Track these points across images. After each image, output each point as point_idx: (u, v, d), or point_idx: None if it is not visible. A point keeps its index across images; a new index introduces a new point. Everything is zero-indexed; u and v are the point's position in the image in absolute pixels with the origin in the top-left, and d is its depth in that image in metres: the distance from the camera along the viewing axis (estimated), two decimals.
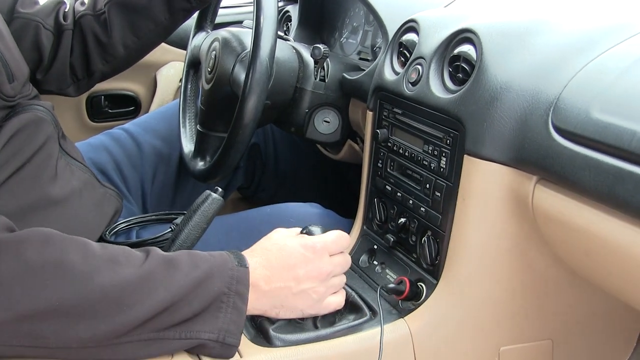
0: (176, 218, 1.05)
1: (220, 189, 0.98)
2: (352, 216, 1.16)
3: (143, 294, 0.76)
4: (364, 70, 1.18)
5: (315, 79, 1.23)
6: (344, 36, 1.45)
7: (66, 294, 0.73)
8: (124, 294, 0.75)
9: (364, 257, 1.07)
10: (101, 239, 1.08)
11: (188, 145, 1.31)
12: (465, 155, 0.86)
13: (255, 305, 0.83)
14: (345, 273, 0.92)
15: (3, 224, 0.77)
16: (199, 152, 1.27)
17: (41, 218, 0.97)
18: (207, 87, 1.24)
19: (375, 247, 1.07)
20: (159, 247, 0.83)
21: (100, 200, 1.12)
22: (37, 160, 1.01)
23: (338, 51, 1.45)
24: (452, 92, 0.90)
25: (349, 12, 1.43)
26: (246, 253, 0.86)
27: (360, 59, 1.34)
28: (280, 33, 1.33)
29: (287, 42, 1.31)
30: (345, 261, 0.90)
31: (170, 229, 1.04)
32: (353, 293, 0.95)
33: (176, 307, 0.77)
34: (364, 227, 1.11)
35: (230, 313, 0.79)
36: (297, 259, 0.85)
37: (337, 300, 0.89)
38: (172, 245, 0.95)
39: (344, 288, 0.92)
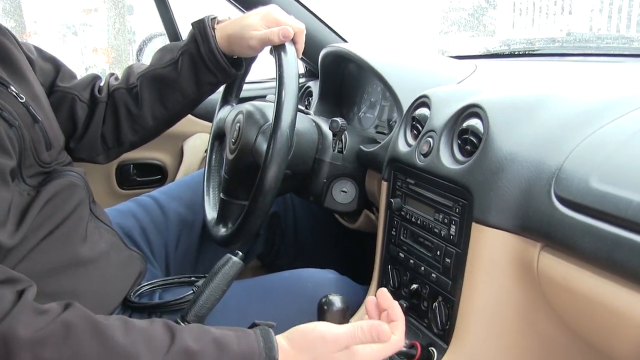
0: (197, 281, 1.09)
1: (240, 253, 1.03)
2: (367, 282, 1.20)
3: None
4: (380, 142, 1.23)
5: (334, 150, 1.29)
6: (362, 111, 1.52)
7: None
8: None
9: None
10: (126, 300, 1.12)
11: (211, 213, 1.37)
12: (473, 223, 0.90)
13: None
14: None
15: (32, 307, 0.78)
16: (221, 218, 1.32)
17: (71, 276, 1.02)
18: (230, 157, 1.30)
19: None
20: (180, 309, 0.85)
21: (126, 262, 1.17)
22: (70, 222, 1.06)
23: (356, 125, 1.51)
24: (461, 163, 0.95)
25: (366, 88, 1.50)
26: (279, 338, 0.85)
27: (377, 132, 1.40)
28: (301, 107, 1.40)
29: (308, 115, 1.37)
30: (396, 345, 0.87)
31: (192, 291, 1.08)
32: None
33: None
34: None
35: None
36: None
37: None
38: (193, 306, 0.99)
39: None
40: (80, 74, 1.34)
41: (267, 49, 1.21)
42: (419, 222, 1.03)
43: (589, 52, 1.49)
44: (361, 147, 1.28)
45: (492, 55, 1.66)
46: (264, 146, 1.15)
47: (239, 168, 1.29)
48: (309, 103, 1.69)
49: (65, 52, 7.50)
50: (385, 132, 1.37)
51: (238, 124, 1.30)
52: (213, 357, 0.80)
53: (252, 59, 1.34)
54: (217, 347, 0.81)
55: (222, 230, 1.30)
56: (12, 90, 1.04)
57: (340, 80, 1.57)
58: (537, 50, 1.59)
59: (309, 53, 1.68)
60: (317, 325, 0.86)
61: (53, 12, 8.23)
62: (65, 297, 0.86)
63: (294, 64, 1.14)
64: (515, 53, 1.60)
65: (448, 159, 0.97)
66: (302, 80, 1.86)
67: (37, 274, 0.92)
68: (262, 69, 1.69)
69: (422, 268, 1.01)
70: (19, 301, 0.77)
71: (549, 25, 3.79)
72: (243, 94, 1.51)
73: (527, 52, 1.57)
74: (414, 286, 1.03)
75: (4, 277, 0.80)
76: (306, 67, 1.89)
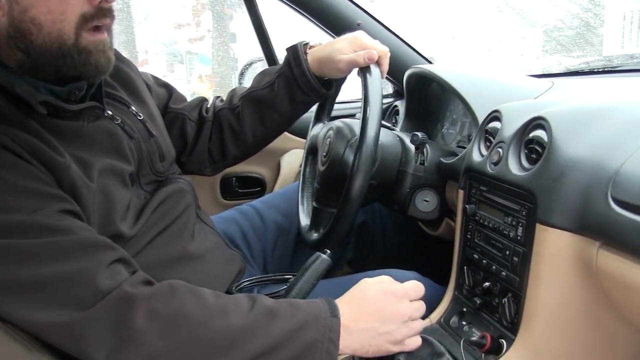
0: (291, 278, 1.23)
1: (328, 251, 1.16)
2: (445, 283, 1.29)
3: (248, 339, 0.92)
4: (458, 155, 1.34)
5: (416, 162, 1.39)
6: (445, 127, 1.62)
7: (186, 338, 0.90)
8: (232, 338, 0.92)
9: (454, 319, 1.20)
10: (227, 293, 1.27)
11: (305, 220, 1.50)
12: (537, 224, 0.99)
13: (347, 344, 0.97)
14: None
15: (143, 278, 0.96)
16: (313, 224, 1.46)
17: (181, 269, 1.17)
18: (322, 168, 1.44)
19: (465, 309, 1.19)
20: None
21: (227, 260, 1.32)
22: (179, 222, 1.23)
23: (440, 140, 1.62)
24: (527, 170, 1.04)
25: (449, 106, 1.60)
26: (338, 301, 1.01)
27: (458, 146, 1.50)
28: (387, 124, 1.53)
29: (393, 131, 1.49)
30: (422, 306, 1.05)
31: (285, 287, 1.22)
32: (442, 347, 1.08)
33: (277, 350, 0.93)
34: (455, 293, 1.24)
35: (324, 356, 0.94)
36: (381, 303, 1.00)
37: (416, 342, 1.03)
38: (286, 297, 1.13)
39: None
40: (188, 99, 1.53)
41: (355, 70, 1.33)
42: (490, 225, 1.12)
43: None
44: (441, 159, 1.38)
45: (571, 73, 1.72)
46: (351, 158, 1.25)
47: (329, 179, 1.42)
48: (396, 121, 1.81)
49: (172, 79, 7.93)
50: (465, 146, 1.47)
51: (329, 139, 1.43)
52: (288, 313, 0.95)
53: (341, 80, 1.47)
54: (291, 306, 0.97)
55: (314, 235, 1.43)
56: (132, 110, 1.22)
57: (425, 98, 1.67)
58: (616, 67, 1.64)
59: (395, 74, 1.81)
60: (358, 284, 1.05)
61: (162, 42, 8.74)
62: None
63: (378, 84, 1.25)
64: (594, 70, 1.65)
65: (515, 167, 1.07)
66: (389, 99, 1.98)
67: (151, 265, 1.08)
68: (352, 90, 1.81)
69: (494, 267, 1.11)
70: (131, 276, 0.94)
71: None
72: (335, 113, 1.63)
73: (605, 69, 1.62)
74: (487, 284, 1.12)
75: (121, 256, 0.96)
76: (393, 87, 2.01)
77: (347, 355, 1.01)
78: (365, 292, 1.03)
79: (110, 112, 1.14)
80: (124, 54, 1.36)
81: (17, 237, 0.87)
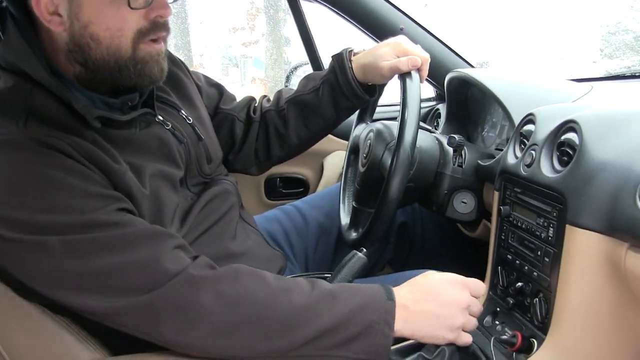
0: (329, 276, 1.27)
1: (364, 250, 1.20)
2: None
3: (310, 319, 0.97)
4: (495, 157, 1.36)
5: (454, 164, 1.41)
6: (485, 130, 1.63)
7: (251, 316, 0.97)
8: (295, 317, 0.97)
9: (488, 318, 1.22)
10: None
11: (345, 219, 1.55)
12: (567, 225, 1.00)
13: (405, 325, 1.01)
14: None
15: (207, 263, 1.02)
16: (353, 224, 1.50)
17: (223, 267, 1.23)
18: (362, 170, 1.48)
19: (498, 309, 1.21)
20: None
21: (269, 258, 1.37)
22: (222, 222, 1.28)
23: (480, 143, 1.64)
24: (558, 172, 1.06)
25: (489, 109, 1.62)
26: (396, 288, 1.05)
27: (496, 149, 1.52)
28: (426, 126, 1.55)
29: (432, 134, 1.52)
30: (480, 306, 1.08)
31: None
32: (475, 345, 1.10)
33: (336, 331, 0.98)
34: (490, 292, 1.26)
35: (380, 338, 0.98)
36: (441, 287, 1.04)
37: (468, 338, 1.06)
38: None
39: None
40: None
41: (397, 75, 1.37)
42: (523, 226, 1.14)
43: None
44: (479, 161, 1.40)
45: (612, 77, 1.72)
46: (389, 161, 1.27)
47: (368, 179, 1.45)
48: (438, 124, 1.83)
49: (227, 83, 8.06)
50: (503, 149, 1.48)
51: (369, 141, 1.47)
52: (347, 294, 1.00)
53: (384, 84, 1.51)
54: (349, 288, 1.02)
55: (354, 235, 1.47)
56: (182, 114, 1.28)
57: (465, 102, 1.69)
58: None
59: (436, 77, 1.83)
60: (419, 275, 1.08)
61: (217, 46, 8.90)
62: None
63: (417, 89, 1.28)
64: (636, 75, 1.64)
65: (547, 169, 1.08)
66: (431, 103, 2.00)
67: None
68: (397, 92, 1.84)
69: (526, 267, 1.12)
70: (194, 260, 1.01)
71: None
72: (378, 115, 1.67)
73: None
74: (519, 284, 1.14)
75: (181, 243, 1.03)
76: (436, 90, 2.03)
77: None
78: (427, 278, 1.07)
79: (161, 117, 1.20)
80: (180, 57, 1.42)
81: (80, 233, 0.94)
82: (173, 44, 6.83)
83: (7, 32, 1.05)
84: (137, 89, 1.13)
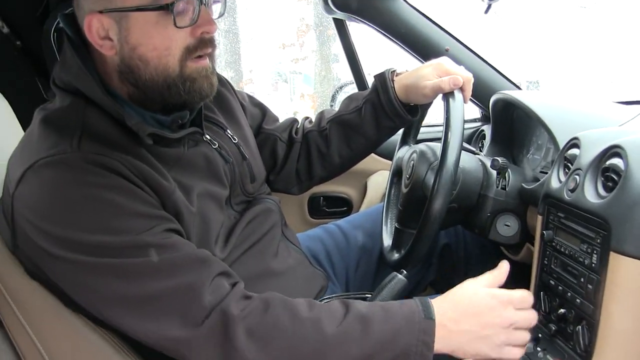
0: (369, 297, 1.27)
1: (404, 272, 1.20)
2: None
3: (341, 348, 0.98)
4: (540, 180, 1.34)
5: (497, 187, 1.40)
6: (530, 152, 1.61)
7: (282, 350, 0.98)
8: (326, 347, 0.98)
9: (529, 345, 1.19)
10: None
11: (387, 240, 1.54)
12: (611, 252, 0.99)
13: (444, 343, 1.00)
14: None
15: (241, 294, 1.03)
16: (395, 245, 1.49)
17: (264, 285, 1.23)
18: (405, 190, 1.48)
19: (540, 335, 1.19)
20: None
21: (310, 277, 1.38)
22: (264, 241, 1.30)
23: (525, 166, 1.62)
24: (602, 197, 1.04)
25: (534, 131, 1.60)
26: (437, 300, 1.04)
27: (541, 172, 1.50)
28: (470, 147, 1.54)
29: (476, 155, 1.51)
30: (530, 317, 1.06)
31: None
32: None
33: (370, 357, 0.98)
34: None
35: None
36: (483, 307, 1.03)
37: (516, 353, 1.04)
38: None
39: None
40: (291, 117, 1.60)
41: (440, 96, 1.36)
42: (567, 252, 1.12)
43: None
44: (523, 184, 1.38)
45: None
46: (432, 181, 1.27)
47: (411, 200, 1.45)
48: (483, 145, 1.82)
49: (276, 98, 8.16)
50: (547, 172, 1.46)
51: (412, 162, 1.47)
52: (381, 317, 0.99)
53: (427, 105, 1.50)
54: (383, 309, 1.01)
55: (395, 256, 1.46)
56: (228, 133, 1.31)
57: (510, 123, 1.68)
58: None
59: (481, 98, 1.82)
60: (462, 283, 1.07)
61: (267, 62, 9.01)
62: None
63: (460, 110, 1.29)
64: None
65: (592, 194, 1.07)
66: (477, 124, 1.99)
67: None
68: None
69: (569, 294, 1.11)
70: (232, 289, 1.02)
71: None
72: (422, 136, 1.67)
73: None
74: (562, 311, 1.12)
75: (223, 269, 1.05)
76: (481, 112, 2.02)
77: None
78: (468, 293, 1.05)
79: (208, 137, 1.23)
80: (230, 73, 1.46)
81: (127, 256, 0.97)
82: (224, 60, 6.94)
83: (64, 53, 1.10)
84: (188, 106, 1.16)
